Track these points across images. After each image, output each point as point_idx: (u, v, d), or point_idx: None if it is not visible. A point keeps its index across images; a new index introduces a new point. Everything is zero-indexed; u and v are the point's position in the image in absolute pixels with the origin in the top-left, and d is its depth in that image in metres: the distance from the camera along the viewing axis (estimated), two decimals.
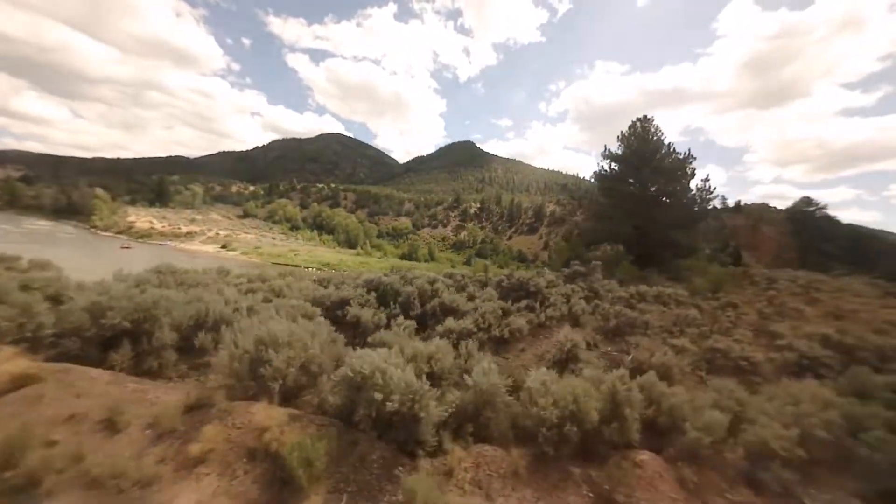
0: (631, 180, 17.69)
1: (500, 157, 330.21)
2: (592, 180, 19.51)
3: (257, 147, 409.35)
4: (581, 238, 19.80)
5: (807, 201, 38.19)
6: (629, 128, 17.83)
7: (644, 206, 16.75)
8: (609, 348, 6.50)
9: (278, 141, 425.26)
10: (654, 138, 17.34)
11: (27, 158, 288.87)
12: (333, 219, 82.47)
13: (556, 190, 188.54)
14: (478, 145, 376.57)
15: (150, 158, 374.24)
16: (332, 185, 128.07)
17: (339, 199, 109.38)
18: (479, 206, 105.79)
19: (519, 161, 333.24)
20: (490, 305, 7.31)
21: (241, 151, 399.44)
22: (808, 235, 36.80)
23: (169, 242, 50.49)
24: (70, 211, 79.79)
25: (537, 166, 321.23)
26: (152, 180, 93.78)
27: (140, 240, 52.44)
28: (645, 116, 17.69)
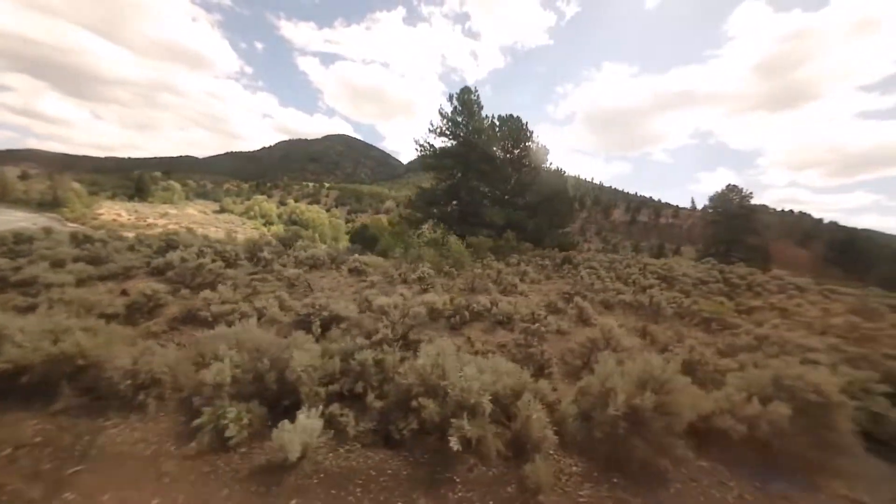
0: (446, 155, 17.11)
1: None
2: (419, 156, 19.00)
3: (263, 148, 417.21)
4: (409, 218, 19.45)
5: (731, 188, 36.12)
6: (450, 99, 17.32)
7: (460, 184, 16.27)
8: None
9: (284, 142, 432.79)
10: (477, 113, 16.80)
11: (42, 157, 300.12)
12: (304, 215, 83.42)
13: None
14: None
15: (160, 158, 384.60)
16: (315, 184, 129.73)
17: (320, 196, 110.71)
18: None
19: None
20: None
21: (248, 152, 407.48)
22: (728, 227, 34.97)
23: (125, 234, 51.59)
24: (53, 204, 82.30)
25: None
26: (134, 176, 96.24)
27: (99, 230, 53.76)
28: (467, 88, 17.17)
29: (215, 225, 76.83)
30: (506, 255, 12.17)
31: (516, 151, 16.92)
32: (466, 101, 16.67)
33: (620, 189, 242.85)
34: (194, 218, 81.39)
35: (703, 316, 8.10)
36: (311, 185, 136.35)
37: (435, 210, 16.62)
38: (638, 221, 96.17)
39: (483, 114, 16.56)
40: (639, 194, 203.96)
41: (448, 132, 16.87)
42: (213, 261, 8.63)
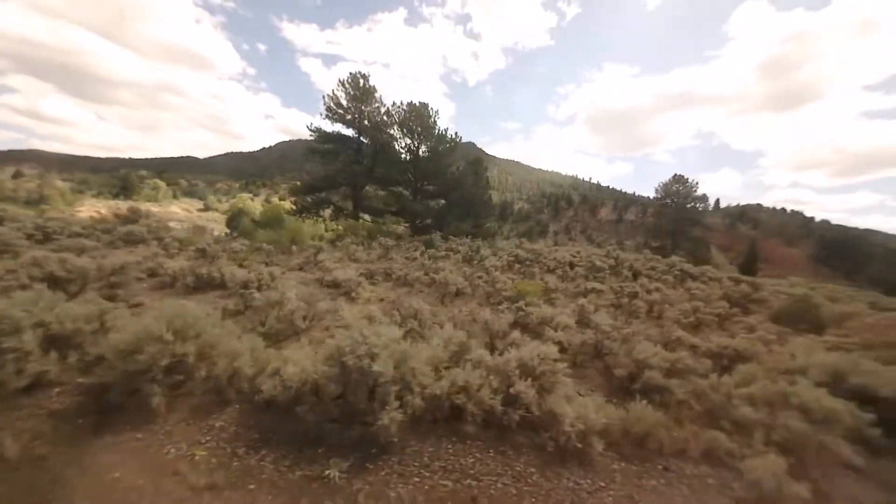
0: (334, 140, 16.90)
1: (498, 158, 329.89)
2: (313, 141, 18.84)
3: (263, 148, 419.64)
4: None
5: (676, 179, 35.07)
6: (341, 84, 17.06)
7: (349, 169, 16.09)
8: None
9: (283, 142, 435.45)
10: (370, 98, 16.52)
11: (43, 157, 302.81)
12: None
13: (548, 190, 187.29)
14: (480, 147, 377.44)
15: (161, 158, 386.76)
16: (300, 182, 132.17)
17: None
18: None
19: (519, 163, 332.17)
20: None
21: (247, 152, 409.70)
22: (673, 218, 34.15)
23: None
24: (38, 202, 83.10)
25: (543, 168, 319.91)
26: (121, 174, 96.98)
27: None
28: (360, 73, 16.94)
29: (194, 222, 77.60)
30: (373, 239, 12.00)
31: (427, 139, 16.67)
32: (359, 86, 16.42)
33: (620, 189, 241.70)
34: (177, 215, 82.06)
35: (505, 295, 7.84)
36: (299, 183, 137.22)
37: (323, 195, 16.44)
38: (625, 220, 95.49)
39: (380, 99, 16.36)
40: (636, 194, 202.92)
41: (340, 118, 16.64)
42: (28, 235, 8.59)
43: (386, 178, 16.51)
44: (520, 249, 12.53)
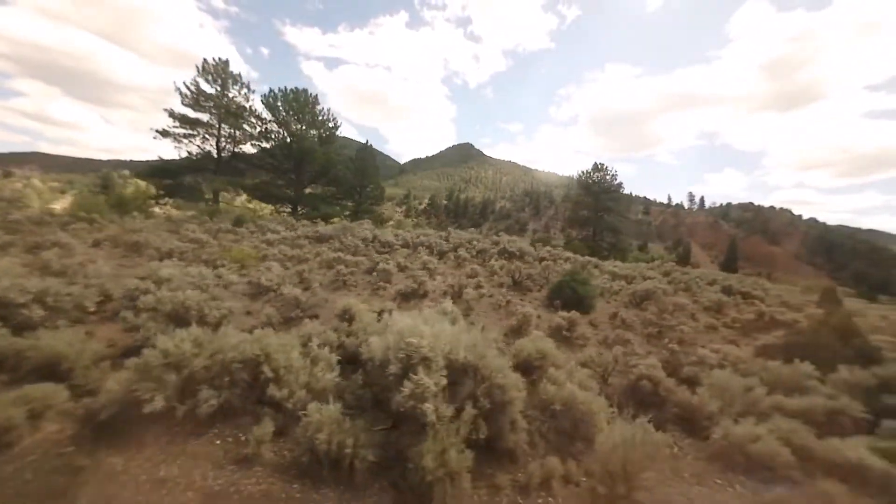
0: (191, 125, 17.22)
1: (494, 159, 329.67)
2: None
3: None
4: None
5: (597, 167, 34.26)
6: (199, 70, 17.33)
7: (200, 152, 16.55)
8: None
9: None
10: (232, 85, 16.89)
11: (47, 160, 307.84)
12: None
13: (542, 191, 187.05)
14: (476, 147, 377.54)
15: (162, 160, 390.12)
16: None
17: None
18: (427, 201, 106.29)
19: (516, 164, 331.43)
20: None
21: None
22: (593, 207, 33.53)
23: None
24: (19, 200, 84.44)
25: (540, 169, 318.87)
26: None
27: None
28: (222, 60, 17.26)
29: None
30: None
31: (304, 125, 17.07)
32: (219, 72, 16.84)
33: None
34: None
35: (214, 260, 8.18)
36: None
37: (188, 180, 16.96)
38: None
39: (247, 85, 16.78)
40: (634, 195, 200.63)
41: (199, 104, 17.06)
42: None
43: (269, 165, 17.01)
44: (324, 227, 12.85)
